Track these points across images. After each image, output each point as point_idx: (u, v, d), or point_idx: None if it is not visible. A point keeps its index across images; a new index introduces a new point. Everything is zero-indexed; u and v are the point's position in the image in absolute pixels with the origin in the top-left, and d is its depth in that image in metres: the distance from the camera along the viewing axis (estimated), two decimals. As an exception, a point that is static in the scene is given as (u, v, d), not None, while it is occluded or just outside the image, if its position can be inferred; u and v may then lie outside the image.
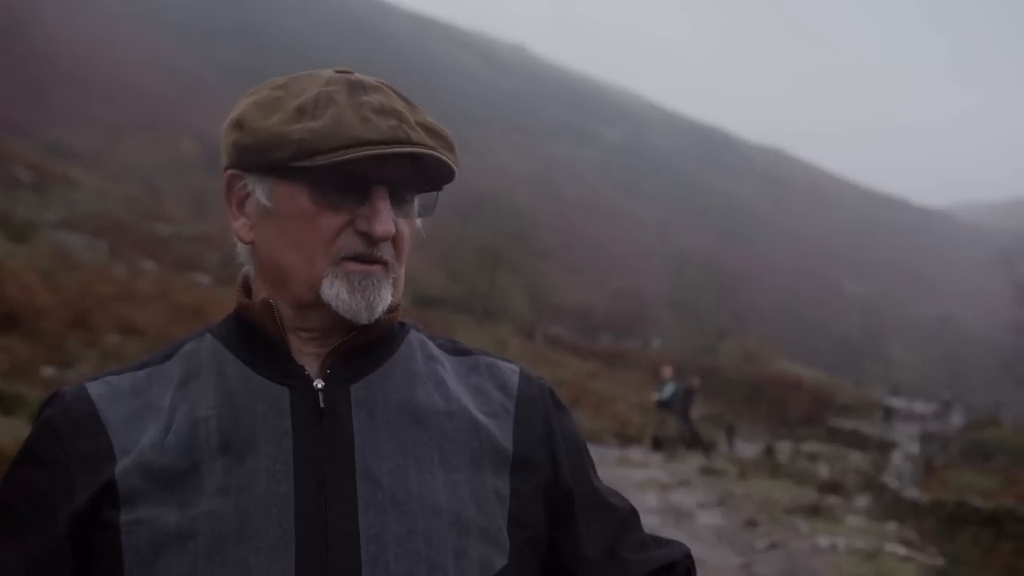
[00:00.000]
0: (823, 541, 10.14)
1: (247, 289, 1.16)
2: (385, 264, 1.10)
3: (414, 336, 1.21)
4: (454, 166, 1.11)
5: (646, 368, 36.52)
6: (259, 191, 1.10)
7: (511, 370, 1.23)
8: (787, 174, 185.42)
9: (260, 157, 1.09)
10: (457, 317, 32.53)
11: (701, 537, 10.10)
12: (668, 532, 10.06)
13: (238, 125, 1.11)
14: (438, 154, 1.08)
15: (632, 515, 1.26)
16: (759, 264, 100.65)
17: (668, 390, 19.96)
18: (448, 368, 1.20)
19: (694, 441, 20.12)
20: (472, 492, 1.10)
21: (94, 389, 1.11)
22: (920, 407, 45.49)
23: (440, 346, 1.23)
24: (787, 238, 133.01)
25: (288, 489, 1.04)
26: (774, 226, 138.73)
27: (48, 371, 10.54)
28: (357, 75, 1.12)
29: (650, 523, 10.10)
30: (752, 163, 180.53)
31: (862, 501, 15.45)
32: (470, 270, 44.37)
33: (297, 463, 1.05)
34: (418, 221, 1.17)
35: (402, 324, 1.21)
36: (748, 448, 23.75)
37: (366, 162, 1.06)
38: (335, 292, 1.07)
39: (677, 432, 19.75)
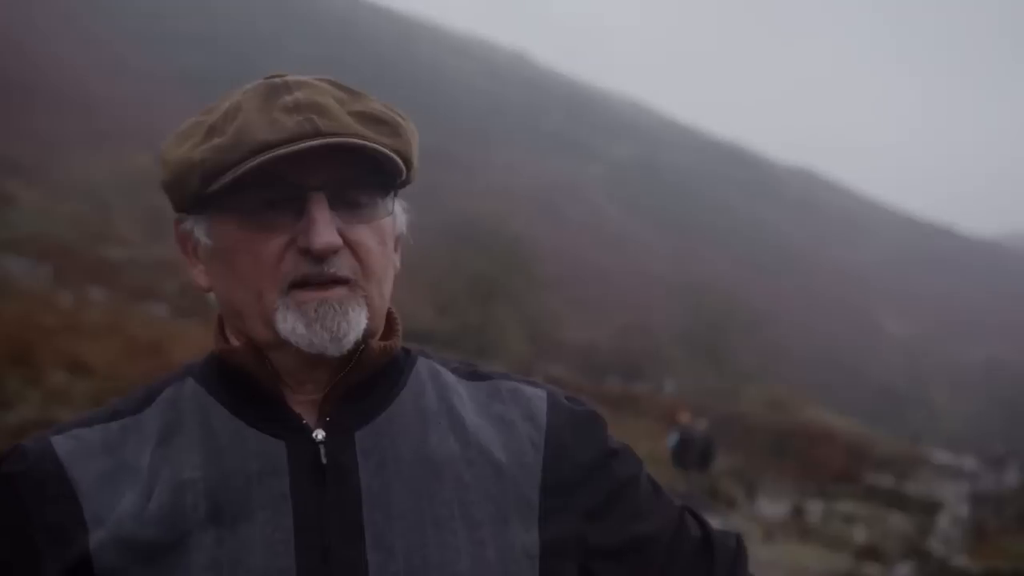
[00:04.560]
0: (861, 614, 10.12)
1: (224, 332, 1.14)
2: (346, 282, 1.05)
3: (423, 365, 1.18)
4: (387, 152, 1.05)
5: (659, 414, 36.45)
6: (198, 231, 1.10)
7: (538, 396, 1.18)
8: (818, 198, 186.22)
9: (181, 192, 1.09)
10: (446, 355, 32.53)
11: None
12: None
13: (161, 162, 1.10)
14: (358, 141, 1.03)
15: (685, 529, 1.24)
16: (786, 299, 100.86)
17: (673, 439, 19.57)
18: (465, 398, 1.17)
19: (705, 495, 19.94)
20: (498, 551, 1.08)
21: (61, 446, 1.07)
22: (969, 463, 45.39)
23: (455, 371, 1.20)
24: (818, 270, 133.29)
25: (289, 562, 1.02)
26: (803, 256, 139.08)
27: (-15, 413, 10.51)
28: (287, 77, 1.09)
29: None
30: (778, 185, 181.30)
31: (904, 569, 15.42)
32: (462, 302, 44.30)
33: (298, 531, 1.03)
34: (401, 224, 1.15)
35: (407, 352, 1.18)
36: (774, 507, 23.68)
37: (286, 168, 1.02)
38: (291, 327, 1.04)
39: (694, 487, 19.53)
